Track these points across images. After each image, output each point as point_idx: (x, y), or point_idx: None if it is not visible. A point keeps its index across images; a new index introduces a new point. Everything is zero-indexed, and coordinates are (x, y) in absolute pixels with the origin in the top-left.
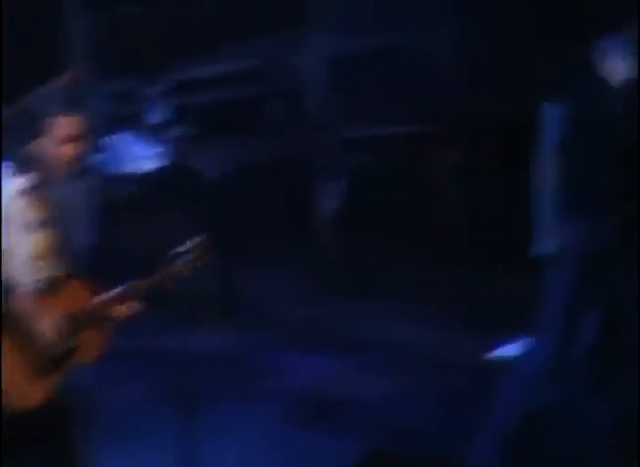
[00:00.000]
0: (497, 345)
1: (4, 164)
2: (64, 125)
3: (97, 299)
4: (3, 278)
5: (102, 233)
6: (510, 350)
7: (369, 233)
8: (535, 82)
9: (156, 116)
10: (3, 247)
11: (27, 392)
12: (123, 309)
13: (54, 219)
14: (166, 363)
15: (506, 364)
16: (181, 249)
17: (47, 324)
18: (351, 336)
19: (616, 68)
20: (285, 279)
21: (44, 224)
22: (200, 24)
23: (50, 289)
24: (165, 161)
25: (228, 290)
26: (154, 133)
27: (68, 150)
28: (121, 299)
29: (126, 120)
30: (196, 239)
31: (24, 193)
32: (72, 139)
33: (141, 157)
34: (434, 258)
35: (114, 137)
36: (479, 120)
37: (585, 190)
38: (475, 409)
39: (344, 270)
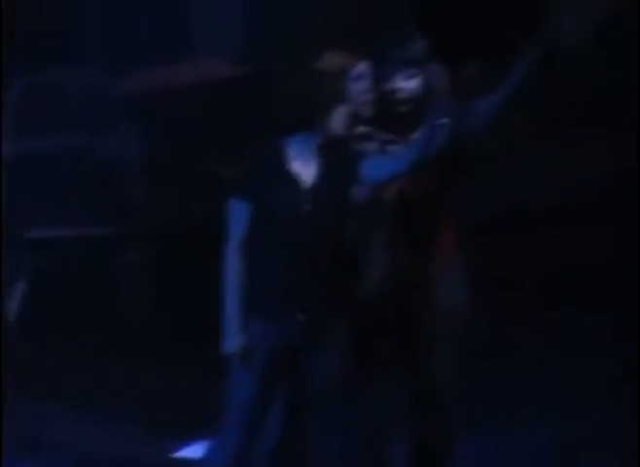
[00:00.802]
0: (182, 446)
1: None
2: None
3: None
4: None
5: None
6: (194, 451)
7: (53, 335)
8: (221, 180)
9: None
10: None
11: None
12: None
13: None
14: None
15: (190, 465)
16: None
17: None
18: (34, 437)
19: (303, 167)
20: None
21: None
22: None
23: None
24: None
25: None
26: None
27: None
28: None
29: None
30: None
31: None
32: None
33: None
34: (119, 358)
35: None
36: (163, 220)
37: (270, 287)
38: None
39: (30, 371)
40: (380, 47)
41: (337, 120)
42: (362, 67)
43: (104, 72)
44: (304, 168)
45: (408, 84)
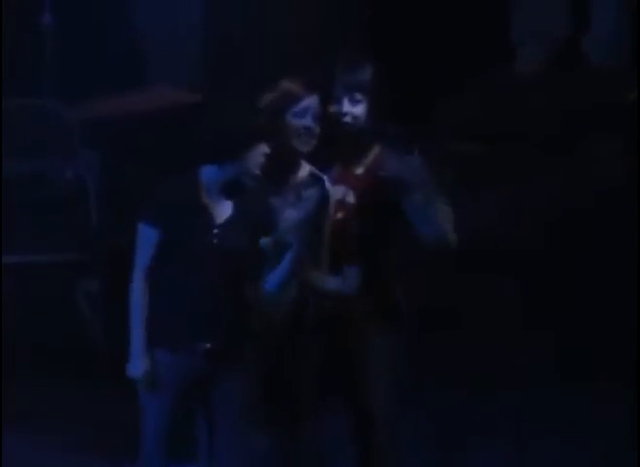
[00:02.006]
0: None
1: None
2: None
3: None
4: None
5: None
6: None
7: (9, 361)
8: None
9: None
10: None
11: None
12: None
13: None
14: None
15: None
16: None
17: None
18: None
19: (215, 201)
20: None
21: None
22: None
23: None
24: None
25: None
26: None
27: None
28: None
29: None
30: None
31: None
32: None
33: None
34: (74, 384)
35: None
36: (121, 248)
37: (174, 316)
38: None
39: None
40: (329, 72)
41: (257, 157)
42: (308, 102)
43: (61, 100)
44: (217, 202)
45: (354, 109)
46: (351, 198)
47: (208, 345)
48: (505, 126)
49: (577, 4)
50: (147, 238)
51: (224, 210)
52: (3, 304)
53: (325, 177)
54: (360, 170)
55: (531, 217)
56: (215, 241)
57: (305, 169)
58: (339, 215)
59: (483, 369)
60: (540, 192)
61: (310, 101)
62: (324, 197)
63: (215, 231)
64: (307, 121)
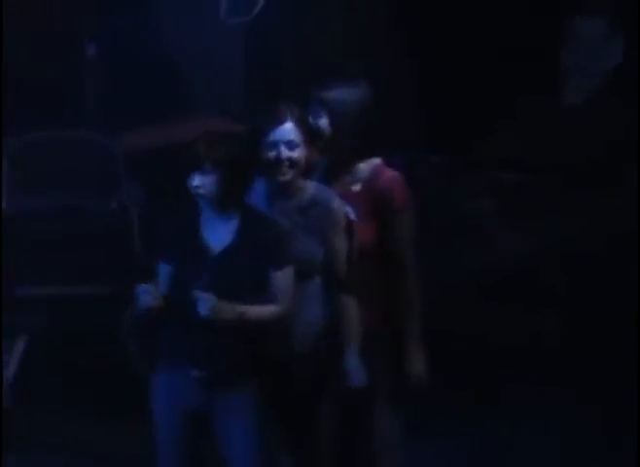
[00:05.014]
0: None
1: None
2: None
3: None
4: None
5: None
6: None
7: (51, 393)
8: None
9: None
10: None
11: None
12: None
13: None
14: None
15: None
16: None
17: None
18: None
19: (211, 233)
20: None
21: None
22: None
23: None
24: None
25: None
26: None
27: None
28: None
29: None
30: None
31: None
32: None
33: None
34: (117, 416)
35: None
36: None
37: (169, 344)
38: None
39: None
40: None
41: (257, 190)
42: (277, 133)
43: (104, 130)
44: (213, 234)
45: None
46: (352, 216)
47: (203, 373)
48: (548, 157)
49: (623, 36)
50: (162, 271)
51: (222, 239)
52: (47, 335)
53: (332, 194)
54: (357, 187)
55: (573, 248)
56: (213, 272)
57: (310, 190)
58: None
59: None
60: (581, 223)
61: (280, 131)
62: (332, 215)
63: (210, 262)
64: (280, 151)
